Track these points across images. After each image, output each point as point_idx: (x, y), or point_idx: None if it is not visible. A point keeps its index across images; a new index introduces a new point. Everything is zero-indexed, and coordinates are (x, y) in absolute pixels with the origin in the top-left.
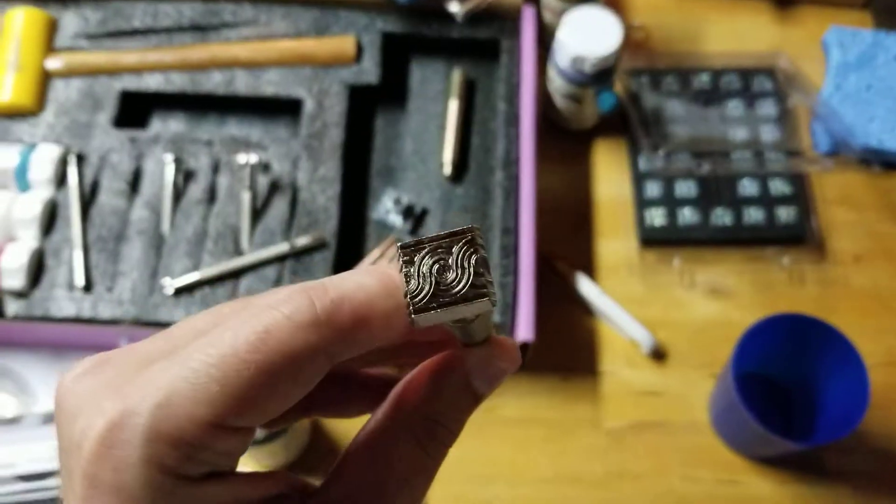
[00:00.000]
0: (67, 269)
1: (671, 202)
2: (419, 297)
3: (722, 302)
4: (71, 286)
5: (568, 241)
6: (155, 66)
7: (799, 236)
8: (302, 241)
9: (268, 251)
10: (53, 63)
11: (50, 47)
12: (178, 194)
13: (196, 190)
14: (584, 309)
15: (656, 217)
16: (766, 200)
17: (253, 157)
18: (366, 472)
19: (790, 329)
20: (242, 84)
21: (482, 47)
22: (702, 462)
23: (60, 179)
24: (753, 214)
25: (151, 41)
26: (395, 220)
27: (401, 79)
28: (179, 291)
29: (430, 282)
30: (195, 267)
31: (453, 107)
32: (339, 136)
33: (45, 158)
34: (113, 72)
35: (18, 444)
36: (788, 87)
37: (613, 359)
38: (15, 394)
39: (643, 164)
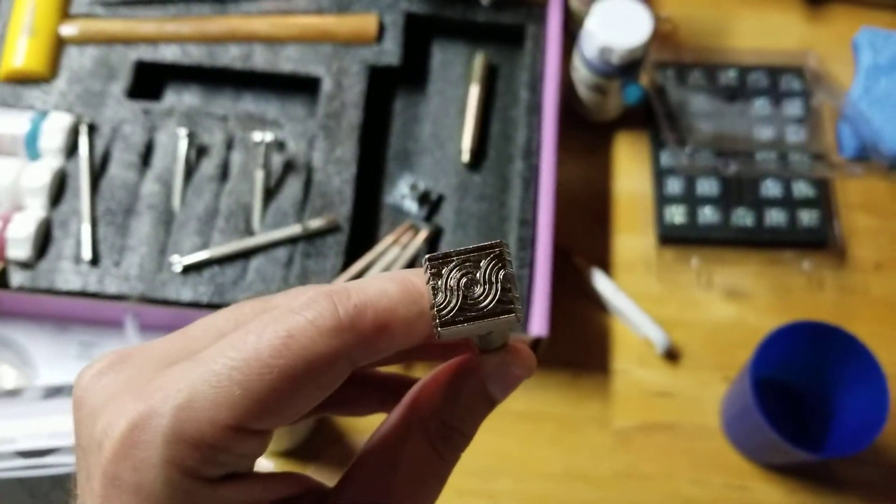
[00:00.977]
0: (74, 241)
1: (692, 200)
2: (446, 310)
3: (739, 304)
4: (77, 259)
5: (585, 234)
6: (171, 36)
7: (820, 241)
8: (315, 223)
9: (279, 232)
10: (68, 29)
11: (65, 13)
12: (190, 170)
13: (209, 166)
14: (598, 305)
15: (676, 214)
16: (789, 203)
17: (268, 135)
18: (380, 474)
19: (810, 336)
20: (260, 59)
21: (506, 33)
22: (711, 466)
23: (71, 149)
24: (775, 216)
25: (169, 11)
26: (411, 205)
27: (422, 61)
28: (188, 269)
29: (458, 295)
30: (205, 245)
31: (474, 92)
32: (357, 118)
33: (56, 127)
34: (128, 41)
35: (18, 418)
36: (817, 87)
37: (626, 357)
38: (17, 365)
39: (665, 159)
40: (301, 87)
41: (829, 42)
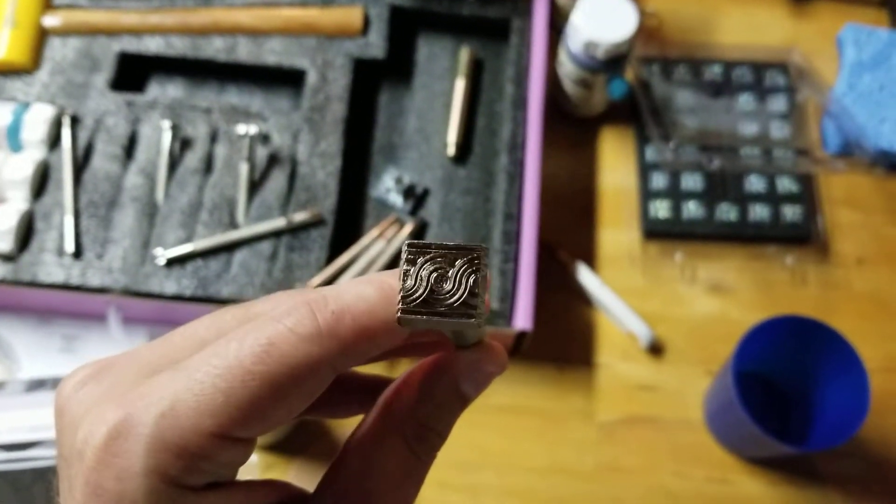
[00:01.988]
0: (57, 233)
1: (677, 195)
2: (411, 297)
3: (722, 299)
4: (60, 251)
5: (570, 229)
6: (155, 28)
7: (803, 236)
8: (299, 216)
9: (264, 225)
10: (51, 20)
11: (48, 4)
12: (173, 162)
13: (192, 159)
14: (583, 299)
15: (661, 209)
16: (773, 198)
17: (252, 128)
18: (358, 477)
19: (793, 331)
20: (244, 51)
21: (492, 26)
22: (693, 459)
23: (53, 141)
24: (759, 211)
25: (153, 3)
26: (396, 199)
27: (407, 55)
28: (171, 262)
29: (426, 287)
30: (188, 238)
31: (460, 86)
32: (342, 111)
33: (38, 118)
34: (112, 32)
35: (0, 411)
36: (801, 83)
37: (610, 351)
38: None
39: (650, 154)
40: (285, 79)
41: (813, 38)
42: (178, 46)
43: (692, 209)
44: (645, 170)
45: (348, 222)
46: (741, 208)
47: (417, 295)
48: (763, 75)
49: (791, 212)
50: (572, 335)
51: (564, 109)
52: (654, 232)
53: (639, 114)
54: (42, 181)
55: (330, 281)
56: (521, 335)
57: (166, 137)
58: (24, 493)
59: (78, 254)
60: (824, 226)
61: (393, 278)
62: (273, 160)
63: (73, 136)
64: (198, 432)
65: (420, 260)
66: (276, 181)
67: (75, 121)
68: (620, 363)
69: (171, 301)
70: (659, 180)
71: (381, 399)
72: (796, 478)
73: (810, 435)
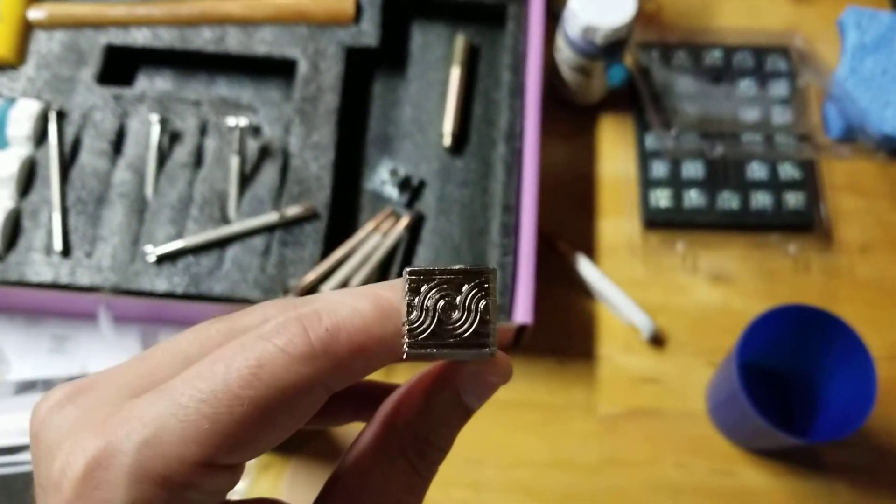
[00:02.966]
0: (45, 231)
1: (677, 183)
2: (418, 331)
3: (724, 288)
4: (48, 250)
5: (569, 219)
6: (142, 20)
7: (806, 223)
8: (292, 210)
9: (256, 220)
10: (36, 13)
11: None
12: (162, 157)
13: (182, 153)
14: (583, 291)
15: (661, 198)
16: (775, 185)
17: (243, 120)
18: (358, 495)
19: (796, 320)
20: (234, 42)
21: (488, 13)
22: (697, 451)
23: (40, 137)
24: (761, 199)
25: None
26: (391, 191)
27: (401, 43)
28: (162, 259)
29: (433, 318)
30: (179, 234)
31: (455, 75)
32: (335, 101)
33: (24, 114)
34: (98, 25)
35: None
36: (803, 67)
37: (611, 343)
38: None
39: (650, 142)
40: (276, 70)
41: (814, 22)
42: (166, 38)
43: (693, 198)
44: (645, 158)
45: (343, 216)
46: (743, 196)
47: (424, 327)
48: (764, 60)
49: (793, 199)
50: (573, 328)
51: (563, 97)
52: (655, 221)
53: (638, 101)
54: (28, 178)
55: (325, 277)
56: (522, 329)
57: (155, 131)
58: (17, 498)
59: (66, 252)
60: (827, 213)
61: (388, 291)
62: (264, 153)
63: (59, 131)
64: (182, 461)
65: (424, 288)
66: (268, 174)
67: (62, 116)
68: (622, 355)
69: (163, 299)
70: (659, 168)
71: (379, 413)
72: (801, 469)
73: (815, 426)
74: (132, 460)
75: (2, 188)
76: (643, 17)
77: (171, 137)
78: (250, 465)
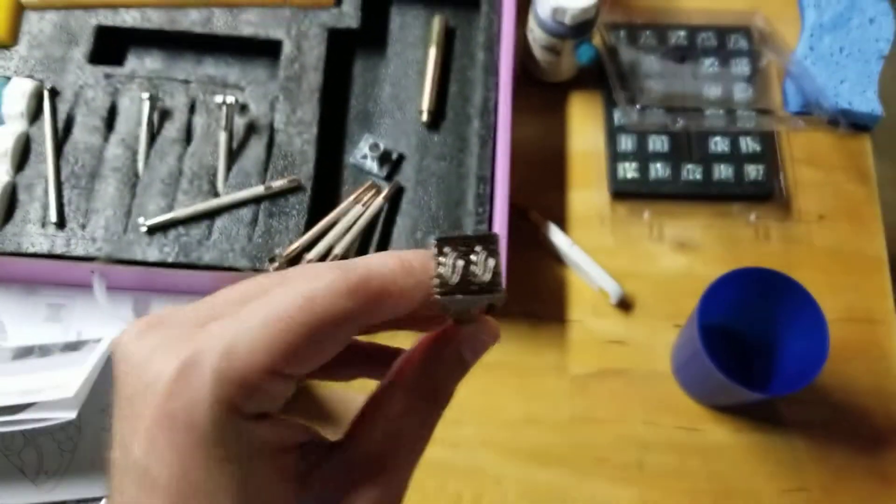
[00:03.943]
0: (40, 204)
1: (643, 156)
2: (449, 282)
3: (688, 255)
4: (44, 222)
5: (541, 191)
6: (131, 2)
7: (766, 194)
8: (278, 183)
9: (243, 193)
10: None
11: None
12: (153, 133)
13: (172, 129)
14: (554, 258)
15: (628, 170)
16: (737, 158)
17: (230, 98)
18: (380, 429)
19: (755, 282)
20: (220, 23)
21: None
22: (663, 409)
23: (34, 114)
24: (723, 171)
25: None
26: (372, 165)
27: (381, 24)
28: (153, 230)
29: (459, 272)
30: (170, 207)
31: (432, 54)
32: (318, 80)
33: (18, 92)
34: (88, 6)
35: None
36: (763, 46)
37: (581, 307)
38: None
39: (618, 117)
40: (261, 50)
41: (775, 2)
42: (155, 19)
43: (659, 170)
44: (613, 133)
45: (326, 188)
46: (706, 168)
47: (453, 279)
48: (726, 39)
49: (754, 171)
50: (545, 293)
51: (534, 75)
52: (623, 192)
53: (606, 79)
54: (24, 154)
55: (310, 246)
56: None
57: (145, 109)
58: (15, 458)
59: (61, 224)
60: (786, 184)
61: (411, 255)
62: (251, 129)
63: (53, 108)
64: (255, 368)
65: (447, 249)
66: (255, 149)
67: (55, 94)
68: (591, 319)
69: (154, 267)
70: (626, 142)
71: (394, 366)
72: (761, 424)
73: (773, 382)
74: (216, 364)
75: None
76: None
77: (162, 114)
78: None
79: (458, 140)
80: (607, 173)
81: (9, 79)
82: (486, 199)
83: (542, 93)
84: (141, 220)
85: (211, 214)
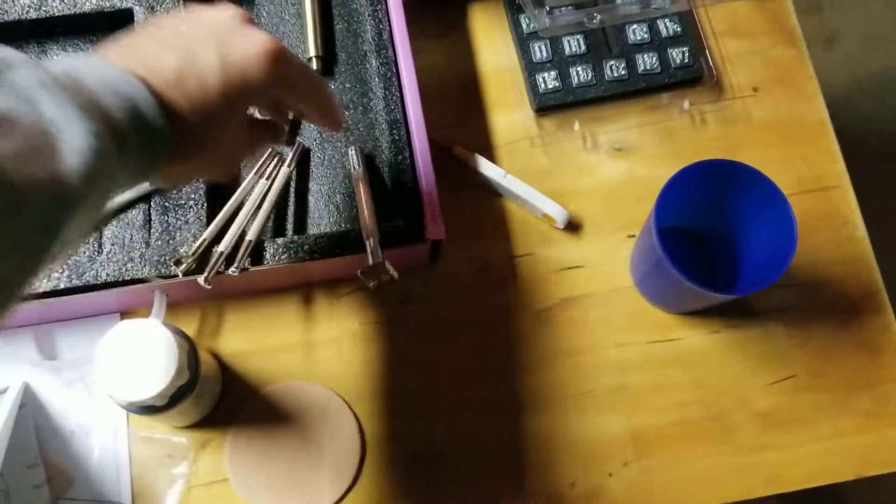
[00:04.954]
0: None
1: (561, 62)
2: None
3: (628, 159)
4: None
5: (460, 122)
6: None
7: (695, 76)
8: None
9: (125, 193)
10: None
11: None
12: None
13: None
14: (490, 192)
15: (548, 80)
16: (658, 43)
17: None
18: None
19: (708, 176)
20: (56, 3)
21: None
22: (632, 326)
23: None
24: (647, 60)
25: None
26: None
27: None
28: None
29: None
30: None
31: None
32: None
33: None
34: None
35: None
36: None
37: (528, 239)
38: None
39: (526, 24)
40: (111, 24)
41: None
42: None
43: (580, 73)
44: (524, 42)
45: None
46: (628, 61)
47: None
48: None
49: (678, 54)
50: (487, 232)
51: None
52: (547, 106)
53: None
54: None
55: (219, 236)
56: (436, 244)
57: None
58: None
59: None
60: (714, 62)
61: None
62: None
63: None
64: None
65: None
66: None
67: None
68: (542, 249)
69: (47, 298)
70: (540, 50)
71: None
72: (736, 320)
73: (741, 278)
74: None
75: None
76: None
77: None
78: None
79: (357, 83)
80: (527, 88)
81: None
82: (404, 145)
83: (439, 13)
84: None
85: (95, 226)
